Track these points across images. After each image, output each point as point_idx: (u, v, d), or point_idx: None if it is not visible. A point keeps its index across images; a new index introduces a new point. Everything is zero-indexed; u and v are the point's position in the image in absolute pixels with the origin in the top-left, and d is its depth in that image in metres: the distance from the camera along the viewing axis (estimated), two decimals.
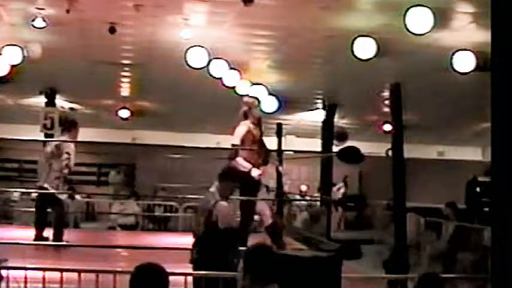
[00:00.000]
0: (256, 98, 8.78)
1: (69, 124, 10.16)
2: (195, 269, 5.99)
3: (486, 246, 9.61)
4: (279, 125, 15.07)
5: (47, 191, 9.96)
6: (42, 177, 10.06)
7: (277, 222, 8.42)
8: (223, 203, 6.29)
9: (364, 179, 20.46)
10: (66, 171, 9.83)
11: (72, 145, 10.05)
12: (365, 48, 9.42)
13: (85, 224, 16.05)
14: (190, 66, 10.30)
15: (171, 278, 3.85)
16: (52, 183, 9.87)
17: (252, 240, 4.73)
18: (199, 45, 10.07)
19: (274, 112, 13.74)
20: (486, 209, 14.62)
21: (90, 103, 16.38)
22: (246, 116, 8.38)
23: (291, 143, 15.83)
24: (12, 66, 10.71)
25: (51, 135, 14.51)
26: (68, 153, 9.94)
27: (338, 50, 10.10)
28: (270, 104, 13.47)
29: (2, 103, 15.63)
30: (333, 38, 9.75)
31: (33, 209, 10.37)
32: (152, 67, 12.06)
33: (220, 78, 11.32)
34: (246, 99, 8.66)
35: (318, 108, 15.48)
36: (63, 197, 10.51)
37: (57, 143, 10.15)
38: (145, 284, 3.81)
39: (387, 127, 14.46)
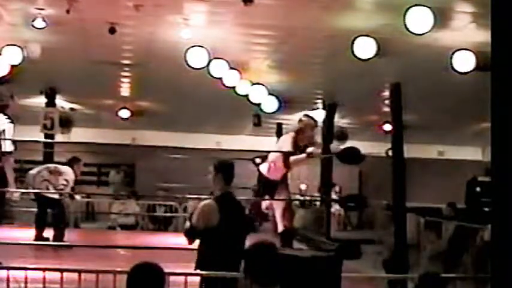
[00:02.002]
0: (314, 120, 8.36)
1: (73, 160, 10.35)
2: None
3: (486, 246, 9.60)
4: (279, 125, 15.07)
5: (47, 191, 9.99)
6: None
7: (289, 228, 8.36)
8: None
9: (364, 178, 20.45)
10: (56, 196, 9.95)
11: (72, 174, 10.11)
12: (365, 48, 9.42)
13: (85, 224, 16.06)
14: (190, 66, 10.29)
15: (171, 278, 3.85)
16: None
17: (253, 239, 4.70)
18: (199, 45, 10.06)
19: (274, 112, 13.75)
20: (486, 209, 14.62)
21: (90, 103, 16.38)
22: (297, 135, 8.21)
23: None
24: (12, 66, 10.71)
25: (51, 136, 14.53)
26: (66, 180, 10.01)
27: (338, 50, 10.09)
28: (270, 104, 13.48)
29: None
30: (333, 38, 9.75)
31: (34, 209, 10.39)
32: (152, 67, 12.05)
33: (220, 78, 11.32)
34: (302, 117, 8.37)
35: (318, 108, 15.48)
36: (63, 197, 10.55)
37: (56, 167, 10.23)
38: (142, 283, 3.81)
39: (387, 127, 14.46)
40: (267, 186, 8.35)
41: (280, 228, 8.25)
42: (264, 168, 8.41)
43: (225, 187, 5.76)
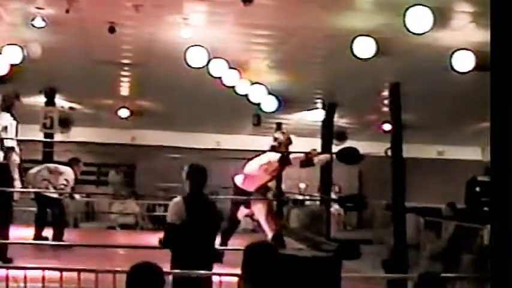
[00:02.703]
0: (289, 137, 8.56)
1: (73, 160, 10.35)
2: None
3: (486, 246, 9.61)
4: (279, 125, 15.07)
5: (46, 191, 9.99)
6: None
7: (278, 231, 8.41)
8: None
9: (364, 178, 20.45)
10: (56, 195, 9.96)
11: (72, 175, 10.11)
12: (364, 48, 9.42)
13: (85, 224, 16.05)
14: (189, 66, 10.29)
15: (170, 277, 3.85)
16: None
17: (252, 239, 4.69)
18: (198, 45, 10.06)
19: (274, 112, 13.74)
20: (486, 209, 14.62)
21: (90, 103, 16.37)
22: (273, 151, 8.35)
23: None
24: (12, 66, 10.71)
25: (51, 135, 14.52)
26: (66, 180, 10.01)
27: (338, 50, 10.09)
28: (269, 104, 13.48)
29: None
30: (333, 38, 9.75)
31: (33, 209, 10.39)
32: (152, 67, 12.05)
33: (219, 78, 11.32)
34: (277, 135, 8.55)
35: (317, 108, 15.48)
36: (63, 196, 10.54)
37: (56, 167, 10.22)
38: (141, 283, 3.82)
39: (387, 127, 14.46)
40: (241, 196, 8.44)
41: (270, 234, 8.28)
42: (239, 179, 8.49)
43: (197, 188, 5.86)
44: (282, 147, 8.34)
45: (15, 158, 7.74)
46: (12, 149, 7.65)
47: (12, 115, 7.89)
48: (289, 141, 8.46)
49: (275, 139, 8.40)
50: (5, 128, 7.70)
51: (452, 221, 12.42)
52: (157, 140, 17.41)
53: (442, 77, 10.89)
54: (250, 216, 9.05)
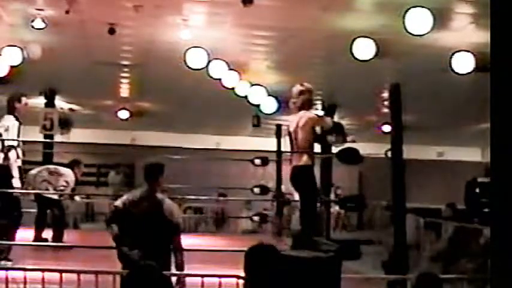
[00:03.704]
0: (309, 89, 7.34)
1: (73, 162, 10.37)
2: None
3: (486, 247, 9.60)
4: (279, 126, 15.01)
5: (46, 192, 9.99)
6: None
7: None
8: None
9: (364, 179, 20.46)
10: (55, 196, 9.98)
11: (73, 176, 10.12)
12: (364, 49, 9.42)
13: (84, 225, 16.05)
14: (189, 67, 10.30)
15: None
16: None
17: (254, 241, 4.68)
18: (198, 46, 10.07)
19: (274, 113, 13.74)
20: (486, 210, 14.63)
21: (90, 104, 16.38)
22: (310, 106, 7.33)
23: None
24: (12, 67, 10.71)
25: (51, 136, 14.53)
26: (66, 182, 10.02)
27: (338, 51, 10.10)
28: (269, 105, 13.48)
29: (2, 104, 15.61)
30: (333, 39, 9.76)
31: (33, 210, 10.39)
32: (151, 68, 12.06)
33: (219, 79, 11.32)
34: (304, 86, 7.32)
35: (317, 109, 15.48)
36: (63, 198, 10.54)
37: (56, 168, 10.22)
38: (140, 284, 3.82)
39: (387, 128, 14.46)
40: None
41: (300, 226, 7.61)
42: None
43: (146, 185, 6.32)
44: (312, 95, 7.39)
45: (16, 158, 7.79)
46: (12, 147, 7.71)
47: (15, 117, 7.97)
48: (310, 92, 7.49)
49: (307, 91, 7.27)
50: (7, 129, 7.78)
51: (452, 222, 12.42)
52: (157, 141, 17.39)
53: (442, 78, 10.90)
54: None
